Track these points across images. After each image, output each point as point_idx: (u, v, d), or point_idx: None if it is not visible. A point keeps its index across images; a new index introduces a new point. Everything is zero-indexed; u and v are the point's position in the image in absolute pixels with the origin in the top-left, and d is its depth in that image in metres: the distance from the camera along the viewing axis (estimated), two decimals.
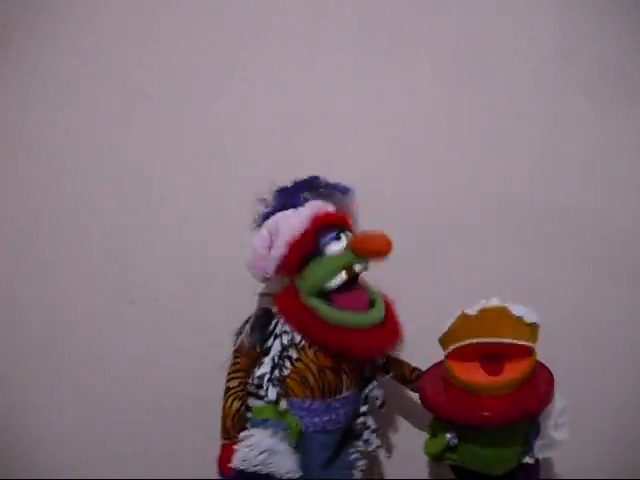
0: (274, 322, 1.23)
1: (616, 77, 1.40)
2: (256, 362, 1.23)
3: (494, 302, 1.20)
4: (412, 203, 1.43)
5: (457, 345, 1.17)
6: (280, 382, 1.21)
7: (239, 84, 1.44)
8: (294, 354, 1.21)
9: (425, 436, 1.25)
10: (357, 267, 1.20)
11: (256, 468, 1.15)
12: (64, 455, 1.48)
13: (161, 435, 1.48)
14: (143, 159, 1.46)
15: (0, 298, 1.47)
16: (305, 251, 1.19)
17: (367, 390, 1.28)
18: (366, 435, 1.28)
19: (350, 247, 1.19)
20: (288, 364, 1.21)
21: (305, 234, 1.19)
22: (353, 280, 1.21)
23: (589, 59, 1.41)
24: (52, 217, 1.46)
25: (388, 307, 1.23)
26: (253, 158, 1.44)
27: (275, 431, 1.18)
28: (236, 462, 1.17)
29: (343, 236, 1.21)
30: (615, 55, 1.41)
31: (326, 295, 1.19)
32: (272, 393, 1.20)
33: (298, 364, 1.21)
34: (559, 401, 1.18)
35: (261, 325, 1.23)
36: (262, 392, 1.21)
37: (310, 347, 1.21)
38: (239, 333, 1.25)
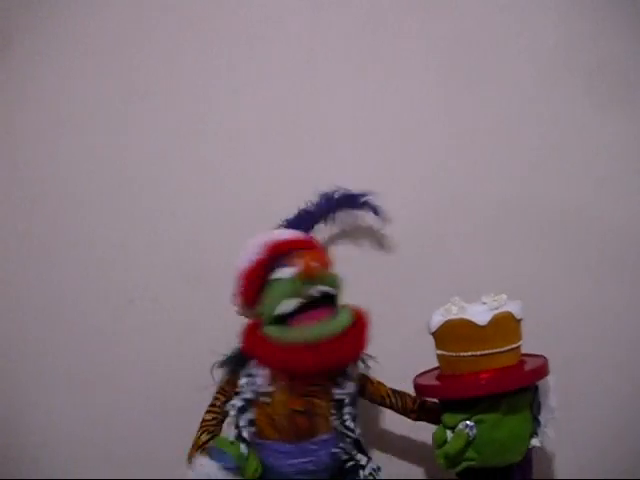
0: (249, 361, 1.21)
1: (616, 77, 1.41)
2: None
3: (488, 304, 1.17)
4: (412, 203, 1.43)
5: (466, 354, 1.15)
6: (250, 423, 1.20)
7: (239, 84, 1.44)
8: (265, 398, 1.19)
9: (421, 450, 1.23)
10: (313, 290, 1.16)
11: None
12: (64, 455, 1.48)
13: (161, 435, 1.48)
14: (143, 159, 1.46)
15: (0, 298, 1.47)
16: (256, 281, 1.18)
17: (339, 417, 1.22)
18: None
19: (295, 274, 1.16)
20: (257, 407, 1.19)
21: (256, 263, 1.18)
22: (322, 299, 1.17)
23: (589, 59, 1.41)
24: (51, 217, 1.46)
25: (358, 319, 1.18)
26: (253, 158, 1.44)
27: (226, 465, 1.16)
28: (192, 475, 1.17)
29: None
30: (615, 55, 1.41)
31: (285, 321, 1.16)
32: (232, 432, 1.20)
33: (268, 408, 1.19)
34: (551, 378, 1.19)
35: (236, 363, 1.22)
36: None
37: (280, 391, 1.18)
38: (220, 366, 1.24)
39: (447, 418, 1.16)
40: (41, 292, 1.47)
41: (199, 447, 1.22)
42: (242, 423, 1.20)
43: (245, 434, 1.19)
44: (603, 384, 1.42)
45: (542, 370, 1.17)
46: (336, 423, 1.20)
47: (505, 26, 1.43)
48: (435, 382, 1.20)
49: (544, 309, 1.36)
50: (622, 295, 1.42)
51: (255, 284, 1.18)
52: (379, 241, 1.43)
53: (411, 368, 1.27)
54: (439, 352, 1.19)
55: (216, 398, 1.25)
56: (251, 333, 1.19)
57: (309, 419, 1.19)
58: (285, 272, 1.16)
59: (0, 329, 1.48)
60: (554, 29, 1.41)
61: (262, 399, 1.19)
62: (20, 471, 1.46)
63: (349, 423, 1.21)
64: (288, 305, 1.15)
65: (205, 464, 1.17)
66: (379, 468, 1.25)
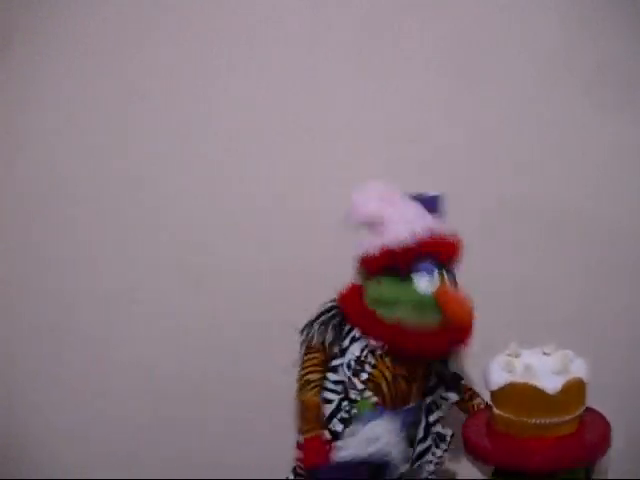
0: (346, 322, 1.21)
1: (616, 77, 1.40)
2: (330, 358, 1.21)
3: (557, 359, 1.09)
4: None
5: (525, 420, 1.08)
6: (367, 381, 1.19)
7: (239, 84, 1.44)
8: (371, 360, 1.19)
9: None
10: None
11: (369, 458, 1.14)
12: (64, 455, 1.48)
13: (161, 434, 1.48)
14: (143, 159, 1.46)
15: (0, 298, 1.48)
16: (392, 266, 1.15)
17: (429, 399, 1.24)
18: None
19: (435, 297, 1.14)
20: (365, 370, 1.19)
21: (405, 252, 1.15)
22: None
23: (589, 59, 1.41)
24: (51, 217, 1.46)
25: None
26: (253, 158, 1.44)
27: (385, 421, 1.16)
28: (345, 454, 1.15)
29: (436, 275, 1.16)
30: (615, 55, 1.41)
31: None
32: (367, 393, 1.19)
33: (374, 371, 1.19)
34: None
35: (334, 323, 1.20)
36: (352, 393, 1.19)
37: (387, 354, 1.18)
38: (309, 327, 1.21)
39: None
40: (41, 292, 1.47)
41: (317, 408, 1.19)
42: (360, 386, 1.18)
43: (366, 395, 1.19)
44: (603, 384, 1.42)
45: (603, 445, 1.10)
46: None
47: (505, 26, 1.42)
48: (490, 442, 1.12)
49: (544, 309, 1.36)
50: (622, 295, 1.42)
51: (391, 265, 1.15)
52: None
53: None
54: (497, 412, 1.12)
55: (315, 357, 1.21)
56: (356, 303, 1.18)
57: (409, 385, 1.20)
58: (427, 282, 1.15)
59: (0, 329, 1.48)
60: (554, 29, 1.41)
61: (370, 362, 1.18)
62: (20, 471, 1.46)
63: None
64: (403, 311, 1.14)
65: (371, 428, 1.15)
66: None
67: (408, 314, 1.14)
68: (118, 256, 1.47)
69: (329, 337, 1.19)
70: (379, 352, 1.18)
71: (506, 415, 1.09)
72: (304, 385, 1.20)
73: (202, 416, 1.43)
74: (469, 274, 1.41)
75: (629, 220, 1.42)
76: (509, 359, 1.10)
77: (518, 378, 1.07)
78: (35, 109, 1.45)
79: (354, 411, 1.18)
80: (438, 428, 1.25)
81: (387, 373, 1.19)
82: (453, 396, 1.26)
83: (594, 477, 1.15)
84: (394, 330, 1.14)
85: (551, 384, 1.06)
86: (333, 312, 1.21)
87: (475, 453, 1.13)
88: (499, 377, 1.10)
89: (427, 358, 1.18)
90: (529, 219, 1.43)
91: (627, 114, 1.40)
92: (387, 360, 1.18)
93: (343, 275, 1.23)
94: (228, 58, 1.44)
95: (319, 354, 1.20)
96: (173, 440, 1.47)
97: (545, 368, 1.07)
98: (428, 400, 1.25)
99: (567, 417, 1.08)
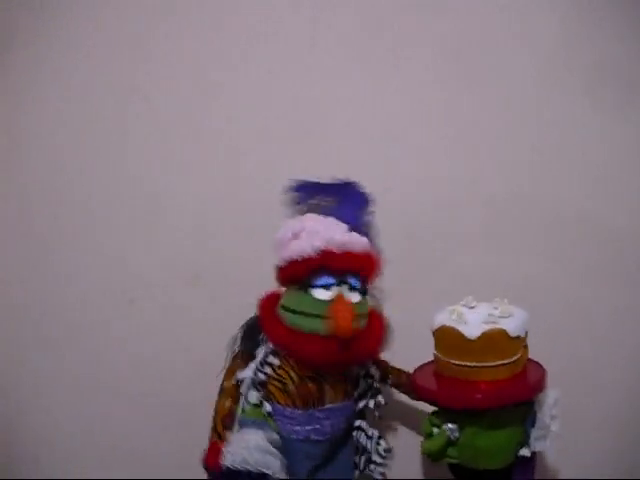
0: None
1: (616, 77, 1.40)
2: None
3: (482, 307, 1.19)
4: (411, 203, 1.43)
5: (455, 362, 1.17)
6: (262, 387, 1.22)
7: (239, 84, 1.45)
8: (275, 361, 1.21)
9: (419, 438, 1.24)
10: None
11: (249, 467, 1.15)
12: (64, 455, 1.49)
13: (161, 434, 1.48)
14: (143, 159, 1.46)
15: (0, 298, 1.48)
16: (294, 277, 1.19)
17: (361, 405, 1.27)
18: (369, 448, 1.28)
19: (327, 308, 1.17)
20: (269, 370, 1.21)
21: (304, 264, 1.17)
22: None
23: (589, 59, 1.41)
24: (51, 217, 1.47)
25: (373, 319, 1.21)
26: (253, 158, 1.44)
27: (267, 433, 1.19)
28: (228, 460, 1.17)
29: (334, 290, 1.18)
30: (615, 55, 1.41)
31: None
32: (252, 396, 1.21)
33: (279, 371, 1.21)
34: (552, 392, 1.19)
35: (252, 332, 1.24)
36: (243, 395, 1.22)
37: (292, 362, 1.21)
38: (234, 338, 1.26)
39: (434, 417, 1.20)
40: (41, 292, 1.47)
41: (225, 415, 1.23)
42: (258, 385, 1.21)
43: (261, 397, 1.21)
44: (603, 384, 1.42)
45: (534, 387, 1.17)
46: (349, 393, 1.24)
47: (505, 26, 1.42)
48: (432, 383, 1.21)
49: (543, 310, 1.36)
50: (622, 295, 1.42)
51: (290, 276, 1.19)
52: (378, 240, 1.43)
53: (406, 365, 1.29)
54: (434, 352, 1.22)
55: (234, 365, 1.25)
56: (269, 309, 1.22)
57: (318, 386, 1.21)
58: (322, 295, 1.17)
59: (0, 329, 1.48)
60: (554, 29, 1.41)
61: (275, 363, 1.21)
62: (20, 471, 1.46)
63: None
64: (310, 323, 1.17)
65: (252, 435, 1.17)
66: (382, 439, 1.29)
67: (301, 322, 1.17)
68: (118, 256, 1.47)
69: (245, 344, 1.24)
70: (283, 353, 1.20)
71: (439, 355, 1.20)
72: (219, 392, 1.24)
73: (203, 416, 1.43)
74: (469, 274, 1.42)
75: (629, 220, 1.42)
76: (456, 307, 1.20)
77: (448, 322, 1.17)
78: (35, 109, 1.46)
79: (241, 416, 1.22)
80: (370, 432, 1.27)
81: (292, 373, 1.21)
82: (371, 402, 1.27)
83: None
84: (287, 335, 1.18)
85: (471, 331, 1.15)
86: (250, 321, 1.25)
87: (420, 393, 1.22)
88: (437, 320, 1.20)
89: (319, 365, 1.19)
90: (528, 219, 1.43)
91: (627, 114, 1.41)
92: (291, 360, 1.21)
93: None
94: (228, 58, 1.44)
95: (239, 362, 1.24)
96: (173, 439, 1.48)
97: (476, 318, 1.16)
98: (361, 405, 1.26)
99: (489, 363, 1.15)
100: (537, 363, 1.22)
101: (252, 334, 1.24)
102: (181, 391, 1.46)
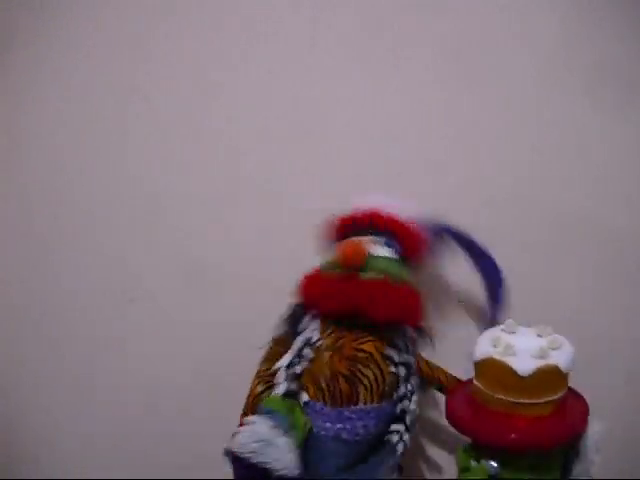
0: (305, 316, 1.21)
1: (616, 77, 1.40)
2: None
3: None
4: (411, 203, 1.43)
5: (496, 396, 1.09)
6: (297, 378, 1.17)
7: (238, 84, 1.45)
8: (310, 353, 1.18)
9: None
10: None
11: (249, 455, 1.10)
12: (64, 455, 1.49)
13: (161, 434, 1.48)
14: (143, 159, 1.46)
15: (0, 298, 1.48)
16: (335, 233, 1.25)
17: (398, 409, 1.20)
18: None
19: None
20: (304, 362, 1.18)
21: (345, 220, 1.24)
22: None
23: (589, 59, 1.41)
24: (51, 217, 1.47)
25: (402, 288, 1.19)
26: (253, 158, 1.44)
27: (277, 424, 1.12)
28: (233, 444, 1.12)
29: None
30: (615, 55, 1.40)
31: None
32: (282, 388, 1.16)
33: (312, 365, 1.17)
34: (596, 425, 1.13)
35: (293, 317, 1.21)
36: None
37: (326, 349, 1.17)
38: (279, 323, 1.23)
39: (474, 452, 1.13)
40: (41, 292, 1.47)
41: (254, 397, 1.20)
42: (289, 378, 1.17)
43: (292, 389, 1.17)
44: (603, 384, 1.42)
45: (577, 427, 1.11)
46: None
47: (505, 26, 1.42)
48: (470, 415, 1.13)
49: (544, 309, 1.36)
50: (622, 295, 1.42)
51: (333, 233, 1.25)
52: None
53: None
54: (475, 382, 1.14)
55: (271, 348, 1.22)
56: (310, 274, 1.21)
57: (351, 385, 1.17)
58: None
59: (0, 329, 1.48)
60: (554, 29, 1.41)
61: (309, 355, 1.18)
62: (20, 471, 1.46)
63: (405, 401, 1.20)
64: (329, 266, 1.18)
65: (258, 423, 1.12)
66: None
67: (325, 267, 1.19)
68: (118, 256, 1.47)
69: (284, 331, 1.21)
70: (317, 345, 1.17)
71: (481, 387, 1.12)
72: (255, 375, 1.22)
73: (203, 415, 1.43)
74: (469, 274, 1.42)
75: (629, 220, 1.42)
76: (499, 334, 1.12)
77: (495, 354, 1.10)
78: (35, 109, 1.46)
79: (262, 403, 1.17)
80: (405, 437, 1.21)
81: (325, 369, 1.17)
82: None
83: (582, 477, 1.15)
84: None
85: (524, 367, 1.07)
86: (293, 306, 1.22)
87: (455, 424, 1.14)
88: (482, 351, 1.12)
89: (326, 307, 1.17)
90: (528, 219, 1.43)
91: (627, 114, 1.40)
92: (325, 355, 1.17)
93: None
94: (228, 58, 1.44)
95: (276, 346, 1.21)
96: (174, 440, 1.48)
97: (525, 350, 1.09)
98: (398, 408, 1.20)
99: (537, 400, 1.09)
100: (576, 393, 1.16)
101: (293, 321, 1.21)
102: (181, 391, 1.46)
